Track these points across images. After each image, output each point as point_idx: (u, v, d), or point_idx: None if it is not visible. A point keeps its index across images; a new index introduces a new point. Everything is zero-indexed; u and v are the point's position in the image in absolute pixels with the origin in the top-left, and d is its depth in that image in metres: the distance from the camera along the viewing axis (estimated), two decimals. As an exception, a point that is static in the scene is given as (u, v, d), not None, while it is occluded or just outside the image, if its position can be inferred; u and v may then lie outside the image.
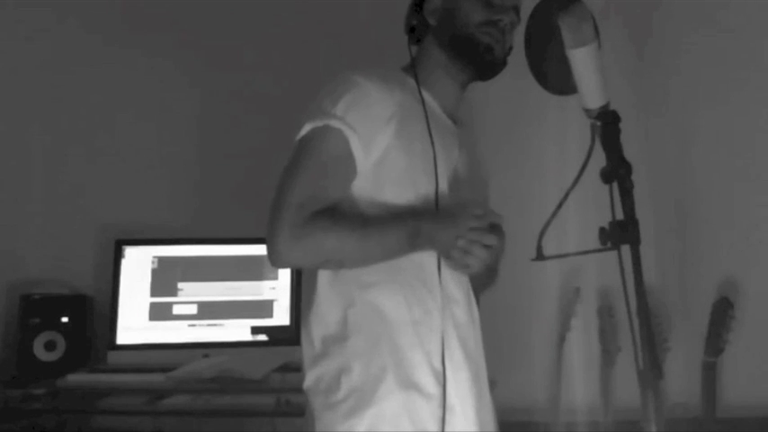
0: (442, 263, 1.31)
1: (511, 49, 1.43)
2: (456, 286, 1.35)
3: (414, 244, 1.28)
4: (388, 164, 1.30)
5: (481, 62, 1.39)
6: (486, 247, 1.23)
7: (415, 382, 1.27)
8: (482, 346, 1.42)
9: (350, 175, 1.30)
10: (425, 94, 1.38)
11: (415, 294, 1.31)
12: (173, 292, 2.33)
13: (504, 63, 1.42)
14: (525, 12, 1.41)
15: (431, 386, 1.28)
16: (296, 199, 1.25)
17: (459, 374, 1.31)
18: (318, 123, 1.29)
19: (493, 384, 1.44)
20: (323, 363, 1.30)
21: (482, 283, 1.48)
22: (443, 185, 1.34)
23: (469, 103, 1.52)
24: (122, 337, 2.29)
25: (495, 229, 1.25)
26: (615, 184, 1.19)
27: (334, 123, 1.28)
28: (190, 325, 2.32)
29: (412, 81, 1.39)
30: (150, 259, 2.34)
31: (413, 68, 1.41)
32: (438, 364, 1.28)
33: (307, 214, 1.24)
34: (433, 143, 1.33)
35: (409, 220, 1.28)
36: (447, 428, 1.26)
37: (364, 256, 1.28)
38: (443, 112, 1.43)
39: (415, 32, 1.43)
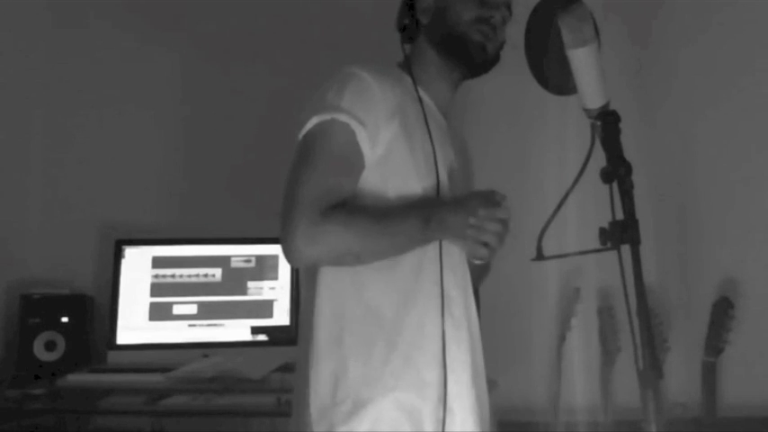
0: (459, 249, 1.30)
1: (503, 44, 1.42)
2: (454, 286, 1.34)
3: (426, 233, 1.27)
4: (392, 158, 1.30)
5: (473, 61, 1.39)
6: (499, 221, 1.23)
7: (414, 383, 1.26)
8: (480, 346, 1.41)
9: (360, 168, 1.29)
10: (421, 92, 1.38)
11: (413, 294, 1.30)
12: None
13: (496, 59, 1.42)
14: (525, 11, 1.41)
15: (430, 387, 1.27)
16: (310, 195, 1.23)
17: (458, 375, 1.30)
18: (325, 117, 1.27)
19: (493, 384, 1.44)
20: (319, 364, 1.28)
21: (478, 273, 1.48)
22: (444, 180, 1.34)
23: (469, 104, 1.52)
24: (122, 337, 2.29)
25: (502, 205, 1.26)
26: (615, 184, 1.19)
27: (342, 117, 1.26)
28: (190, 325, 2.32)
29: (408, 78, 1.39)
30: (150, 259, 2.34)
31: (407, 66, 1.41)
32: (437, 365, 1.28)
33: (323, 210, 1.23)
34: (432, 140, 1.33)
35: (419, 209, 1.28)
36: (446, 429, 1.25)
37: (381, 248, 1.27)
38: (437, 109, 1.43)
39: (406, 31, 1.43)
